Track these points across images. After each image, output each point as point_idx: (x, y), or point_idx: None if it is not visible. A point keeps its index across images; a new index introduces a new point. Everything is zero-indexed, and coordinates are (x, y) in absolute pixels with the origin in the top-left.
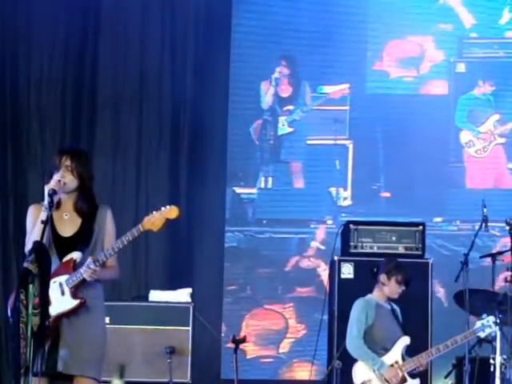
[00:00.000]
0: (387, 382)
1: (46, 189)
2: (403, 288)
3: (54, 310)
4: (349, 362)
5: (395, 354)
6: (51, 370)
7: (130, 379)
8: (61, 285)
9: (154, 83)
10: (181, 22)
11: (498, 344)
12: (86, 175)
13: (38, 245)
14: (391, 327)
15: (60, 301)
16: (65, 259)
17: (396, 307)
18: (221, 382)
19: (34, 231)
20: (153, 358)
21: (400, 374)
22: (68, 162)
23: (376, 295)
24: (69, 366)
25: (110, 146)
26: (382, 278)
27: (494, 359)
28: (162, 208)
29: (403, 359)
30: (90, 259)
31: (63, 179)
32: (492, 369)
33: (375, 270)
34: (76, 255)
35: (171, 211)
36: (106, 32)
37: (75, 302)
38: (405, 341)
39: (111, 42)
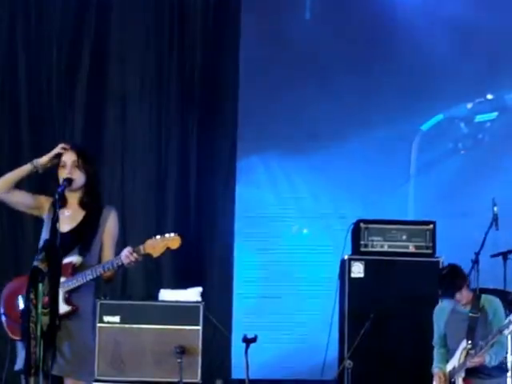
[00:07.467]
0: None
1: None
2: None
3: None
4: (360, 361)
5: (455, 360)
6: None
7: (139, 379)
8: None
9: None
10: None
11: (509, 343)
12: (92, 172)
13: (48, 243)
14: (458, 332)
15: None
16: (64, 261)
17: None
18: (232, 382)
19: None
20: (163, 357)
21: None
22: (74, 158)
23: (458, 298)
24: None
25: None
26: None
27: (505, 358)
28: (166, 235)
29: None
30: (129, 248)
31: (71, 176)
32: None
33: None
34: (76, 259)
35: (173, 241)
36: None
37: (67, 308)
38: (463, 345)
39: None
